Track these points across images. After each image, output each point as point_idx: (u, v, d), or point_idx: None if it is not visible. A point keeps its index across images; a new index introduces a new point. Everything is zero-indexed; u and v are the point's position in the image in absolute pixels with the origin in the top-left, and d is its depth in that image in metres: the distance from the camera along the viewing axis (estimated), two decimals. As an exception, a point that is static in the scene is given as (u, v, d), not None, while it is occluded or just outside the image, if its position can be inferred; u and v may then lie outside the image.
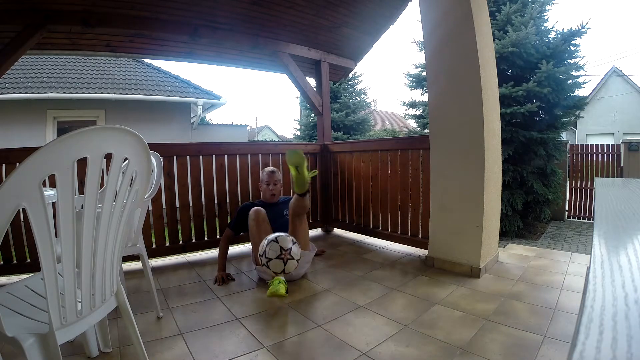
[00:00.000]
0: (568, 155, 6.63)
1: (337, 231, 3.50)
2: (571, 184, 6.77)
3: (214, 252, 2.86)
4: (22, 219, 2.07)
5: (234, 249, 2.95)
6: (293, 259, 1.95)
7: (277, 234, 2.02)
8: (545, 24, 5.83)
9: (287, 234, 2.04)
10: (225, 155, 2.85)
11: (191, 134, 8.25)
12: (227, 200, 2.87)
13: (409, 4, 3.33)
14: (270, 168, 2.62)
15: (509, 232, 5.34)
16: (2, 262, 2.17)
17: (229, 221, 2.89)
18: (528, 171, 5.46)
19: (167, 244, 2.64)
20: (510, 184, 5.37)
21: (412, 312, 1.70)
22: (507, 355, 1.29)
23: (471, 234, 2.15)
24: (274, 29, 3.26)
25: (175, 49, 3.34)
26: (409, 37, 16.03)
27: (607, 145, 6.62)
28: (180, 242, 2.69)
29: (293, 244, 1.99)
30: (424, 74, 6.37)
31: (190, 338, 1.49)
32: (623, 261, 0.37)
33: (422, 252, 2.54)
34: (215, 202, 2.82)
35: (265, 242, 1.99)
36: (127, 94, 7.44)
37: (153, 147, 1.61)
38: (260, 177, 2.60)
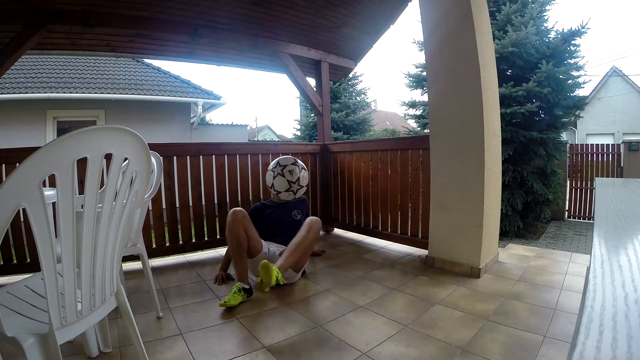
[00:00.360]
0: (568, 155, 6.63)
1: (337, 231, 3.50)
2: (571, 184, 6.77)
3: (214, 252, 2.86)
4: (22, 219, 2.07)
5: (234, 249, 2.95)
6: (303, 187, 2.04)
7: (282, 160, 2.07)
8: (545, 24, 5.82)
9: (292, 160, 2.08)
10: (225, 155, 2.85)
11: (191, 134, 8.25)
12: (227, 201, 2.87)
13: (409, 4, 3.33)
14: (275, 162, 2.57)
15: (509, 232, 5.34)
16: (2, 262, 2.17)
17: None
18: (528, 171, 5.46)
19: (167, 244, 2.64)
20: (510, 184, 5.37)
21: (412, 312, 1.70)
22: (507, 355, 1.29)
23: (471, 234, 2.15)
24: (274, 29, 3.26)
25: (175, 49, 3.34)
26: (409, 37, 16.01)
27: (607, 145, 6.62)
28: (180, 242, 2.69)
29: (300, 170, 2.07)
30: (424, 74, 6.37)
31: (190, 338, 1.49)
32: (623, 261, 0.37)
33: (422, 252, 2.54)
34: (215, 202, 2.82)
35: (272, 174, 2.06)
36: (127, 94, 7.45)
37: (153, 147, 1.61)
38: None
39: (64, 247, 0.78)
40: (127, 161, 0.91)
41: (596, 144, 6.68)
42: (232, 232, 1.95)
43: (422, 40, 2.84)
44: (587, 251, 4.24)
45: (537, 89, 5.21)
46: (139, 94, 7.55)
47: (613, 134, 15.71)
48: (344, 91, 10.91)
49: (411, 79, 6.91)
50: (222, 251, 2.89)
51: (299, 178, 1.97)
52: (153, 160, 1.59)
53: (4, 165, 2.09)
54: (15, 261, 2.18)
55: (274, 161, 2.13)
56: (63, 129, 7.07)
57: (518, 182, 5.44)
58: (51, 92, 6.80)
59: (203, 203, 2.75)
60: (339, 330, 1.54)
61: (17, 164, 1.99)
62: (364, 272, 2.30)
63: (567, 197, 6.69)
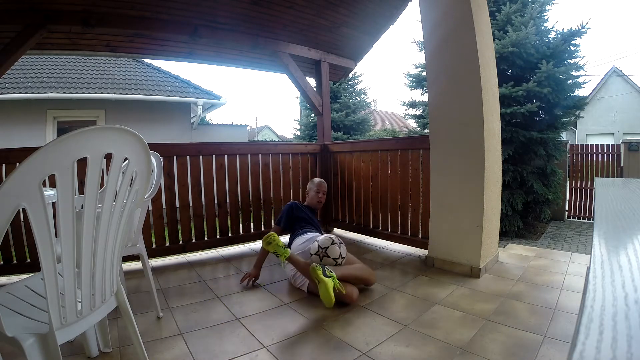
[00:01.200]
0: (568, 155, 6.62)
1: (337, 231, 3.50)
2: (571, 184, 6.77)
3: (214, 252, 2.86)
4: (22, 219, 2.07)
5: (233, 249, 2.95)
6: (329, 257, 1.95)
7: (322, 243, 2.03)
8: (545, 24, 5.82)
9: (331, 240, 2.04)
10: (225, 155, 2.85)
11: (191, 134, 8.25)
12: (227, 200, 2.87)
13: (409, 4, 3.33)
14: (320, 179, 2.68)
15: (509, 232, 5.33)
16: (2, 262, 2.17)
17: (228, 221, 2.89)
18: (528, 171, 5.46)
19: (167, 244, 2.64)
20: (510, 184, 5.37)
21: (412, 312, 1.70)
22: (507, 355, 1.29)
23: (471, 234, 2.15)
24: (274, 29, 3.26)
25: (175, 49, 3.34)
26: (409, 37, 16.04)
27: (607, 145, 6.62)
28: (180, 242, 2.69)
29: (339, 245, 2.01)
30: (424, 74, 6.37)
31: (190, 338, 1.49)
32: (623, 261, 0.37)
33: (422, 252, 2.54)
34: (215, 202, 2.82)
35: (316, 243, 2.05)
36: (127, 94, 7.44)
37: (153, 147, 1.61)
38: (309, 185, 2.68)
39: (64, 247, 0.78)
40: (127, 161, 0.91)
41: (596, 144, 6.68)
42: None
43: (422, 40, 2.84)
44: (587, 251, 4.24)
45: (537, 89, 5.20)
46: (139, 94, 7.55)
47: (613, 134, 15.71)
48: (344, 91, 10.90)
49: (411, 79, 6.90)
50: (222, 251, 2.89)
51: (327, 247, 2.00)
52: (153, 160, 1.59)
53: (4, 165, 2.09)
54: (15, 261, 2.18)
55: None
56: (63, 129, 7.07)
57: (518, 182, 5.44)
58: (51, 92, 6.80)
59: (203, 203, 2.75)
60: (339, 330, 1.54)
61: (17, 164, 1.99)
62: (364, 272, 2.30)
63: (567, 197, 6.69)
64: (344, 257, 2.00)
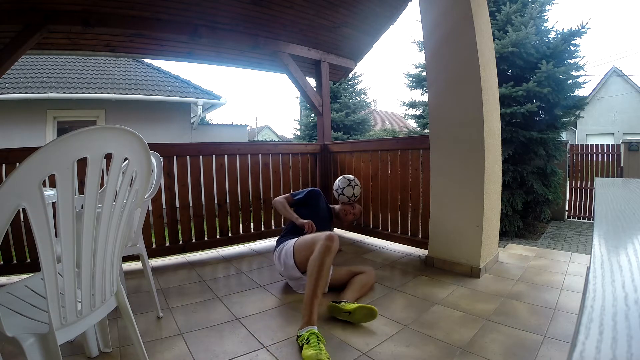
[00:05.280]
0: (568, 155, 6.62)
1: (337, 231, 3.50)
2: (571, 184, 6.77)
3: (214, 252, 2.86)
4: (22, 219, 2.07)
5: (233, 249, 2.95)
6: (358, 185, 2.48)
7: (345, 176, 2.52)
8: (545, 24, 5.82)
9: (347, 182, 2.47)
10: (225, 155, 2.85)
11: (191, 134, 8.25)
12: (227, 200, 2.87)
13: (409, 4, 3.33)
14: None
15: (509, 232, 5.33)
16: (2, 262, 2.17)
17: (228, 221, 2.89)
18: (528, 171, 5.46)
19: (167, 244, 2.64)
20: (510, 184, 5.37)
21: (412, 312, 1.70)
22: (507, 355, 1.29)
23: (471, 234, 2.15)
24: (274, 29, 3.26)
25: (175, 49, 3.34)
26: (409, 37, 16.04)
27: (607, 145, 6.61)
28: (180, 242, 2.69)
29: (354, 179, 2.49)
30: (424, 74, 6.37)
31: (190, 338, 1.49)
32: (623, 261, 0.37)
33: (422, 252, 2.54)
34: (215, 202, 2.82)
35: (337, 181, 2.53)
36: (127, 94, 7.44)
37: (153, 147, 1.61)
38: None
39: (64, 247, 0.78)
40: (127, 161, 0.91)
41: (596, 144, 6.67)
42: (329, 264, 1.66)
43: (422, 40, 2.84)
44: (587, 251, 4.24)
45: (537, 89, 5.20)
46: (139, 94, 7.55)
47: (613, 134, 15.71)
48: (344, 91, 10.90)
49: (411, 79, 6.90)
50: (222, 251, 2.90)
51: (354, 179, 2.50)
52: (153, 160, 1.59)
53: (4, 165, 2.09)
54: (15, 261, 2.18)
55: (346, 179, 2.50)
56: (63, 129, 7.07)
57: (518, 182, 5.44)
58: (51, 92, 6.79)
59: (203, 203, 2.75)
60: (339, 330, 1.54)
61: (17, 164, 1.99)
62: (364, 272, 2.30)
63: (567, 197, 6.69)
64: (357, 197, 2.46)
